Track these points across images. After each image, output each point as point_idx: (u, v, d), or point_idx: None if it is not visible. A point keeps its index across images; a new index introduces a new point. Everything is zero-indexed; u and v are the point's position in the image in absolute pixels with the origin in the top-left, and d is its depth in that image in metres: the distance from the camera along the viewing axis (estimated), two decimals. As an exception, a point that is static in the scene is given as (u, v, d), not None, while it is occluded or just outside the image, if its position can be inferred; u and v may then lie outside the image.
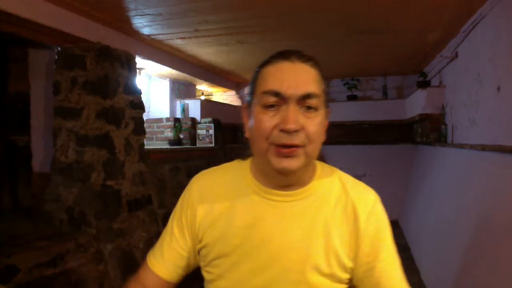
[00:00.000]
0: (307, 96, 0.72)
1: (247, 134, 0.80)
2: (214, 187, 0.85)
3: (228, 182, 0.85)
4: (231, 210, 0.81)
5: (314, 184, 0.81)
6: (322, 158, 0.87)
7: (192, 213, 0.84)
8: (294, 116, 0.71)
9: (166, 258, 0.86)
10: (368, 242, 0.77)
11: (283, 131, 0.70)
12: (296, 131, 0.70)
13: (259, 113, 0.74)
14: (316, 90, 0.74)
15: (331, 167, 0.86)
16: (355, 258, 0.77)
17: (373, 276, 0.77)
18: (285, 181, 0.78)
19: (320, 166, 0.84)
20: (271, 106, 0.73)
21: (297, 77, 0.73)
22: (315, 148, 0.74)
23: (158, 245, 0.89)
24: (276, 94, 0.72)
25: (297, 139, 0.71)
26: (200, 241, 0.84)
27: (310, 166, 0.79)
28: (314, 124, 0.73)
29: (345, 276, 0.78)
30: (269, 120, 0.72)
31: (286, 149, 0.71)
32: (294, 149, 0.71)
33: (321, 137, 0.76)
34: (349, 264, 0.77)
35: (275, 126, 0.72)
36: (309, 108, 0.73)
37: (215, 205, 0.83)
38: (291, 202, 0.79)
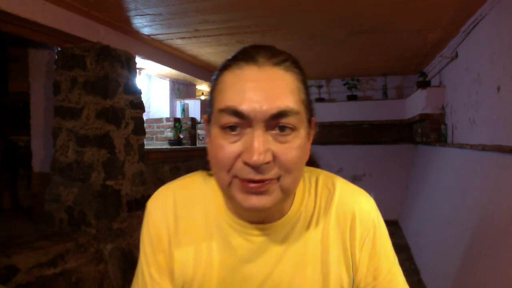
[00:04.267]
0: (280, 114, 0.54)
1: (209, 157, 0.62)
2: (179, 211, 0.68)
3: (195, 207, 0.68)
4: (201, 245, 0.67)
5: (296, 206, 0.66)
6: (314, 162, 0.75)
7: (165, 243, 0.68)
8: (262, 144, 0.53)
9: None
10: (365, 261, 0.67)
11: (247, 164, 0.54)
12: (267, 163, 0.54)
13: (217, 137, 0.57)
14: (293, 104, 0.55)
15: (315, 173, 0.71)
16: (354, 278, 0.67)
17: None
18: (259, 216, 0.64)
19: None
20: (232, 128, 0.55)
21: (266, 89, 0.54)
22: (294, 179, 0.58)
23: None
24: (236, 113, 0.54)
25: (269, 173, 0.54)
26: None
27: (291, 195, 0.65)
28: (292, 150, 0.55)
29: None
30: (229, 147, 0.55)
31: (254, 184, 0.54)
32: (265, 183, 0.55)
33: (302, 162, 0.59)
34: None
35: (238, 156, 0.55)
36: (283, 128, 0.55)
37: (184, 236, 0.67)
38: (271, 235, 0.65)
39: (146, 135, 3.44)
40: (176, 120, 4.44)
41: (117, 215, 2.80)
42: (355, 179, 5.36)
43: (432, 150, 4.16)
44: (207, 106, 0.63)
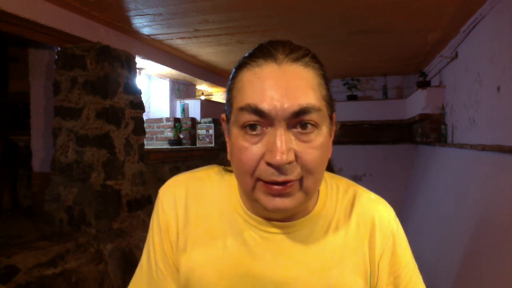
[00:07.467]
0: (302, 111, 0.53)
1: (229, 156, 0.62)
2: (190, 204, 0.67)
3: (208, 201, 0.67)
4: (213, 240, 0.65)
5: (318, 209, 0.65)
6: (329, 165, 0.72)
7: (173, 235, 0.67)
8: (284, 143, 0.53)
9: None
10: (385, 270, 0.66)
11: (270, 165, 0.53)
12: (289, 162, 0.53)
13: (238, 138, 0.56)
14: (315, 100, 0.55)
15: (336, 180, 0.70)
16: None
17: None
18: (281, 216, 0.63)
19: (323, 182, 0.68)
20: (252, 127, 0.55)
21: (286, 87, 0.54)
22: (316, 180, 0.57)
23: None
24: (256, 111, 0.54)
25: (291, 174, 0.54)
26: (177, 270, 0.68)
27: (314, 196, 0.64)
28: (314, 150, 0.55)
29: None
30: (251, 148, 0.55)
31: (277, 186, 0.54)
32: (288, 185, 0.55)
33: (324, 163, 0.59)
34: None
35: (261, 157, 0.54)
36: (305, 126, 0.54)
37: (194, 231, 0.66)
38: (289, 234, 0.64)
39: (146, 135, 3.44)
40: (176, 120, 4.44)
41: (117, 215, 2.80)
42: (355, 179, 5.35)
43: (432, 150, 4.16)
44: (225, 105, 0.62)
